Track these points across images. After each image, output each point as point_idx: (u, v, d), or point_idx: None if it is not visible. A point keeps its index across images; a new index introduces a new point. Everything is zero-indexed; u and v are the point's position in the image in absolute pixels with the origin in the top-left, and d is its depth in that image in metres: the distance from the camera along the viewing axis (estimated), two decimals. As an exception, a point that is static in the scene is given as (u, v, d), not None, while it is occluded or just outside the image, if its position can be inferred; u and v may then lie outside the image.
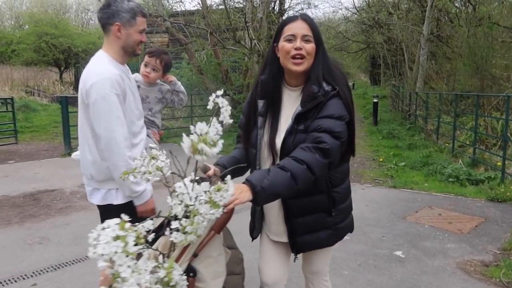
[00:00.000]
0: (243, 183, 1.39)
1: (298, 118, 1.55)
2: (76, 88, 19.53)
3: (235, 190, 1.32)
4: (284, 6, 16.41)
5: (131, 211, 1.82)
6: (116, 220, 1.00)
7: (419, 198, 5.17)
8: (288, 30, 1.57)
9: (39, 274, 3.06)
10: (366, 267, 3.21)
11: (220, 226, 1.38)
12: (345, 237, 1.80)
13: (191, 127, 1.11)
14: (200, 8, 11.29)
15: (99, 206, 2.02)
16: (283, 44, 1.57)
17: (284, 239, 1.74)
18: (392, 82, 18.18)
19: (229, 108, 1.21)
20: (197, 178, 1.29)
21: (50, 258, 3.34)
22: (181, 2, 11.81)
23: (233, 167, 1.54)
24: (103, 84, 1.78)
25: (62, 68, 22.44)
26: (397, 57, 17.77)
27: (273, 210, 1.72)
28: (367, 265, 3.25)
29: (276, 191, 1.41)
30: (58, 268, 3.17)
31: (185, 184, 1.16)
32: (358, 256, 3.39)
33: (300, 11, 16.75)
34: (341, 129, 1.50)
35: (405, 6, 16.56)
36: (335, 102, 1.54)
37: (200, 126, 1.11)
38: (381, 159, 7.57)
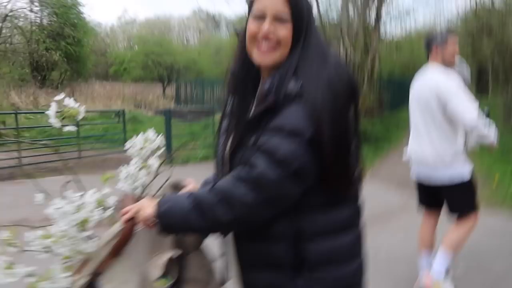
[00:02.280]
0: None
1: (249, 128, 1.07)
2: (177, 101, 21.02)
3: (141, 204, 1.13)
4: (380, 15, 15.77)
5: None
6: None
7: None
8: (258, 3, 1.09)
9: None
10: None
11: (115, 249, 1.17)
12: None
13: None
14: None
15: (444, 188, 2.69)
16: (249, 23, 1.11)
17: None
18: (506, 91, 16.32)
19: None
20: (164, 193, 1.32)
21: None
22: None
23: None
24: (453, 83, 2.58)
25: (165, 83, 24.31)
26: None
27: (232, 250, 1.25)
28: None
29: (170, 222, 1.08)
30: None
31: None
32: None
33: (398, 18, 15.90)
34: (289, 150, 0.98)
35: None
36: (294, 109, 1.01)
37: None
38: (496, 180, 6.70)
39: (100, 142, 9.96)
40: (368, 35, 11.68)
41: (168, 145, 8.30)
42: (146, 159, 1.33)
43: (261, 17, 1.08)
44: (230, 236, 1.22)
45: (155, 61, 22.68)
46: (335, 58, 1.11)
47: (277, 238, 1.08)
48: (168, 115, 8.45)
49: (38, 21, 24.79)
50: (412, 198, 3.28)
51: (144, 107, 18.19)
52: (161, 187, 1.37)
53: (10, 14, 20.25)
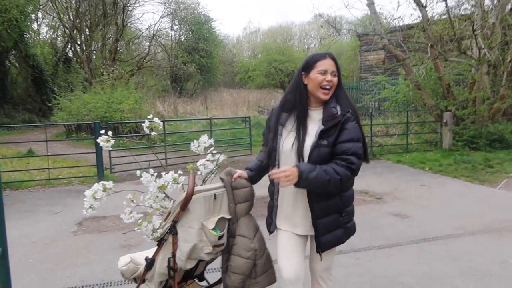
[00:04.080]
0: (294, 167, 1.88)
1: (321, 135, 1.94)
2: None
3: (290, 171, 1.84)
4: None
5: None
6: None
7: None
8: (321, 65, 1.99)
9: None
10: None
11: (182, 205, 1.90)
12: None
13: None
14: (420, 21, 10.85)
15: None
16: (316, 75, 1.98)
17: (307, 232, 2.08)
18: None
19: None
20: (220, 177, 2.14)
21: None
22: (400, 18, 11.53)
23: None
24: None
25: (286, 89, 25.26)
26: None
27: (300, 209, 2.06)
28: None
29: (315, 184, 1.87)
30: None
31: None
32: None
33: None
34: (361, 150, 1.95)
35: None
36: (354, 126, 1.95)
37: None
38: None
39: (229, 145, 10.99)
40: (508, 27, 10.50)
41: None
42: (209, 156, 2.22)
43: (324, 73, 1.98)
44: (279, 197, 2.12)
45: (277, 68, 23.74)
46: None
47: (334, 194, 2.01)
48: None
49: (177, 38, 28.12)
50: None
51: (267, 113, 19.21)
52: (211, 172, 2.22)
53: (156, 34, 23.39)
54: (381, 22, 11.81)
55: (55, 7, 19.07)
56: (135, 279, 2.19)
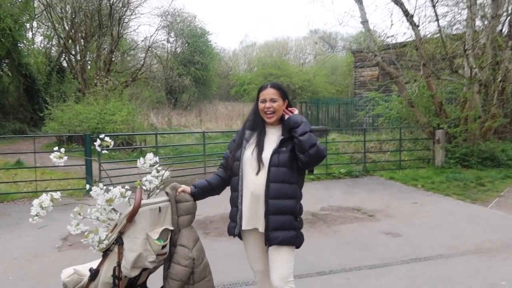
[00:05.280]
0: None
1: (281, 143, 2.31)
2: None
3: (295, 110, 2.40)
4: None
5: None
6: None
7: None
8: (262, 95, 2.39)
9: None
10: None
11: (129, 217, 2.06)
12: None
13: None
14: (413, 40, 10.96)
15: None
16: (259, 103, 2.39)
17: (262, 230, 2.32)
18: None
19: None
20: (166, 191, 2.35)
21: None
22: (393, 36, 11.66)
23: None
24: None
25: (281, 103, 25.32)
26: None
27: (261, 209, 2.29)
28: None
29: (302, 133, 2.25)
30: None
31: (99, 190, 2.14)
32: None
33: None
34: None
35: None
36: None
37: None
38: None
39: (222, 159, 10.86)
40: (498, 48, 10.65)
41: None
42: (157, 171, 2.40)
43: (264, 101, 2.38)
44: (245, 197, 2.33)
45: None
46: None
47: (292, 197, 2.30)
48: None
49: (173, 50, 28.22)
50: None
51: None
52: (156, 187, 2.36)
53: (152, 46, 23.45)
54: (375, 39, 11.93)
55: (50, 17, 19.06)
56: None
